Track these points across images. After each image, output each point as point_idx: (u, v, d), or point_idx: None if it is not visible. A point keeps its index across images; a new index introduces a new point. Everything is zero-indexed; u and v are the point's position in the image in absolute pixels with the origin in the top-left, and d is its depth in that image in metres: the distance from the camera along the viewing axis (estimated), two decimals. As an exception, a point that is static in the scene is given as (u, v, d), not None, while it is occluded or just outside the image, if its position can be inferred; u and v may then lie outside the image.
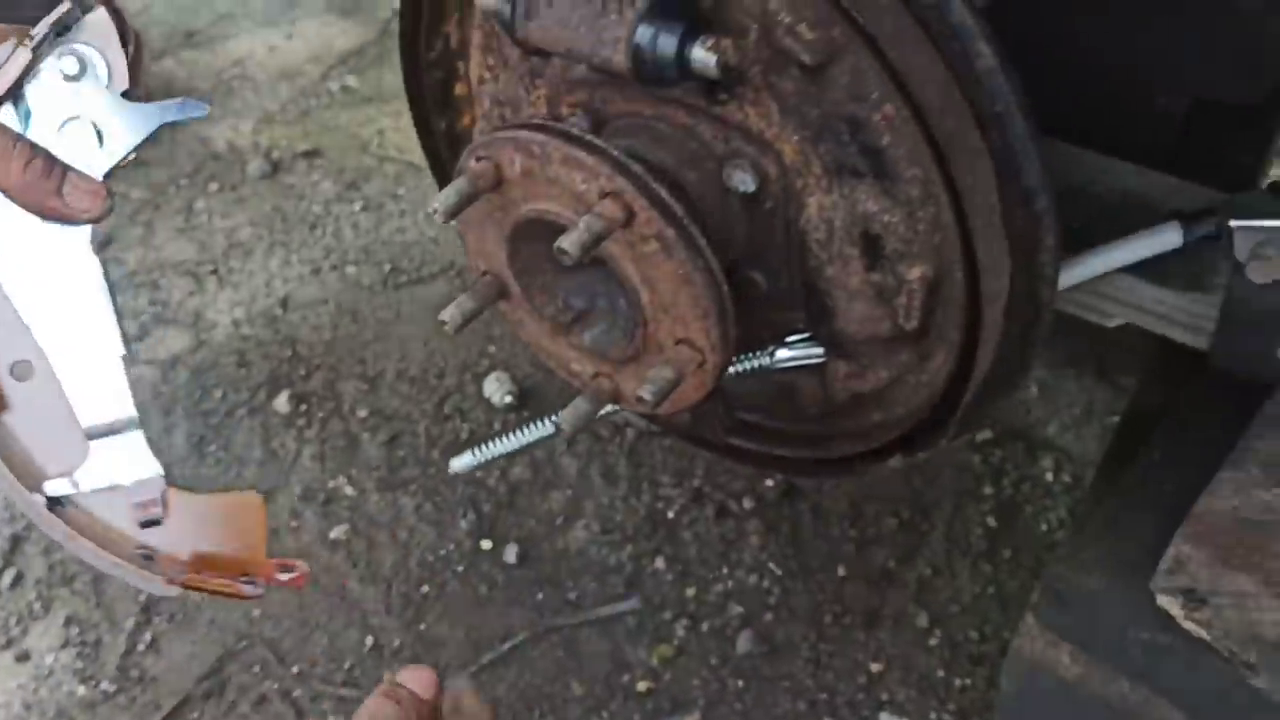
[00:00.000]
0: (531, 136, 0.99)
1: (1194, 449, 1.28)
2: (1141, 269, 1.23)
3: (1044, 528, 1.79)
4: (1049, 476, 1.85)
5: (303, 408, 1.99)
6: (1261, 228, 1.11)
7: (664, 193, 0.97)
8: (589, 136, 0.99)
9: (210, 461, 1.93)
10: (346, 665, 1.68)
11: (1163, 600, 1.14)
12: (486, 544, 1.80)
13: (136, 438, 0.91)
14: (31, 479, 0.90)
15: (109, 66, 0.83)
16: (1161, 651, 1.18)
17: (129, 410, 0.90)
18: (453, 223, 1.06)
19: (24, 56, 0.80)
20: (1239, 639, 1.10)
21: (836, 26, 0.93)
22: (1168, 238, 1.18)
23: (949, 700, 1.59)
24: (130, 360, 0.91)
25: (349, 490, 1.88)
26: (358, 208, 2.37)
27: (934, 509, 1.81)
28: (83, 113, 0.83)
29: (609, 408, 1.19)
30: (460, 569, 1.78)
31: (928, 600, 1.71)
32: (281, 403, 1.99)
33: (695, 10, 0.96)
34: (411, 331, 2.10)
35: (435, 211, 1.02)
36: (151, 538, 0.93)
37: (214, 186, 2.43)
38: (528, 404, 1.97)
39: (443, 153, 1.35)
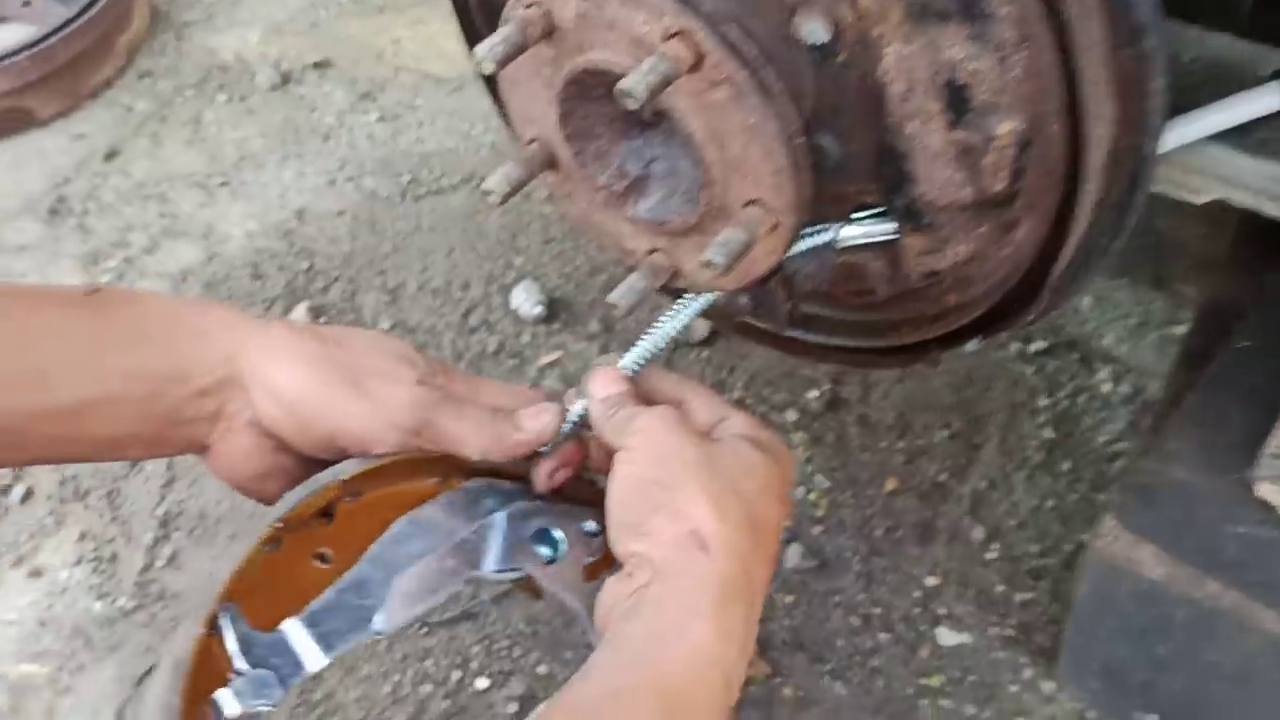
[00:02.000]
0: (587, -27, 0.90)
1: (1287, 336, 1.20)
2: (1236, 139, 1.14)
3: (1103, 439, 1.70)
4: (1106, 388, 1.76)
5: (322, 320, 1.90)
6: (1378, 80, 1.01)
7: (735, 33, 0.88)
8: (651, -28, 0.90)
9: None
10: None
11: (1262, 490, 1.06)
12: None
13: None
14: None
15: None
16: (1258, 548, 1.10)
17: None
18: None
19: None
20: (1351, 528, 1.02)
21: None
22: (1269, 99, 1.08)
23: (1010, 615, 1.51)
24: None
25: (372, 404, 1.79)
26: (373, 118, 2.27)
27: (987, 421, 1.73)
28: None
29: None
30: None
31: (983, 514, 1.62)
32: (300, 315, 1.89)
33: None
34: (433, 243, 2.01)
35: (481, 61, 0.93)
36: None
37: (222, 98, 2.33)
38: (558, 315, 1.88)
39: (476, 20, 1.25)
